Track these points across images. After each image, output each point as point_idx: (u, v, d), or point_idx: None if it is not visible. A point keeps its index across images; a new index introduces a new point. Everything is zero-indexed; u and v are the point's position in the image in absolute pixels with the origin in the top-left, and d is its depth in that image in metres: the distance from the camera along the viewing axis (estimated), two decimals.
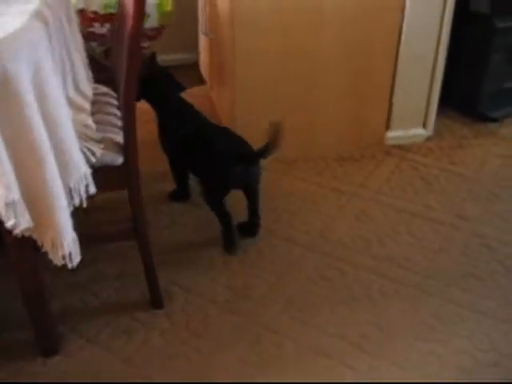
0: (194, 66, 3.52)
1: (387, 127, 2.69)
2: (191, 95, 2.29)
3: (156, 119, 2.22)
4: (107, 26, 2.61)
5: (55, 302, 1.83)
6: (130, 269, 1.97)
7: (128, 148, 1.58)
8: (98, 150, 1.52)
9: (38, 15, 1.37)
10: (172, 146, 2.19)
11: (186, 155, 2.14)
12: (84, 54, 1.95)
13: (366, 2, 2.37)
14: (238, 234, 2.13)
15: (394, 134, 2.70)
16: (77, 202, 1.46)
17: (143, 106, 2.03)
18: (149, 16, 2.60)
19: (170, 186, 2.32)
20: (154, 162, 2.32)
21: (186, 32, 3.54)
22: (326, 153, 2.63)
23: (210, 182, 2.05)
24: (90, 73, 1.97)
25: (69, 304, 1.86)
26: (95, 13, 2.55)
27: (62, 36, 1.56)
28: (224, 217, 2.05)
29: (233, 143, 2.05)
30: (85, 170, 1.45)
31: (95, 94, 1.83)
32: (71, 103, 1.57)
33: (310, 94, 2.52)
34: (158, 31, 2.75)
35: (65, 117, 1.37)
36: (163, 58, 3.51)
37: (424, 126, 2.73)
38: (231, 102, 2.52)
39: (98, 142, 1.55)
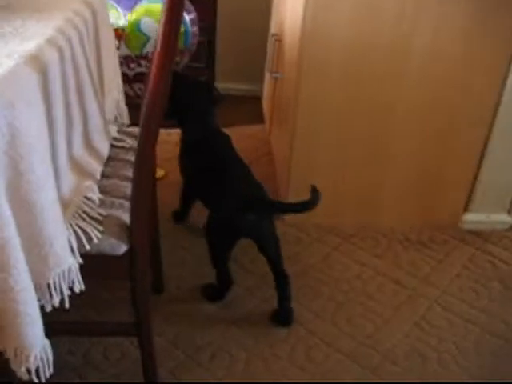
0: (257, 100, 3.20)
1: (465, 208, 2.28)
2: (247, 133, 1.96)
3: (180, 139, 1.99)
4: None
5: None
6: (127, 363, 1.63)
7: (135, 232, 1.24)
8: (95, 233, 1.19)
9: (33, 59, 1.04)
10: (189, 171, 1.97)
11: (200, 186, 1.91)
12: (117, 97, 1.64)
13: (466, 60, 1.98)
14: (271, 321, 1.80)
15: (472, 218, 2.29)
16: (56, 301, 1.13)
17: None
18: (150, 39, 2.26)
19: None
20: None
21: (253, 62, 3.23)
22: (389, 229, 2.25)
23: (218, 224, 1.78)
24: (125, 116, 1.66)
25: None
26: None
27: (74, 80, 1.23)
28: (222, 272, 1.81)
29: (252, 188, 1.79)
30: (70, 264, 1.12)
31: (117, 148, 1.51)
32: (75, 166, 1.25)
33: (377, 155, 2.15)
34: (133, 60, 2.40)
35: (49, 199, 1.04)
36: (226, 86, 3.23)
37: (510, 212, 2.31)
38: (288, 150, 2.18)
39: (99, 221, 1.22)
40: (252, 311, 1.84)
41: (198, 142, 1.93)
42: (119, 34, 2.25)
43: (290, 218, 2.23)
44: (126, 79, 2.27)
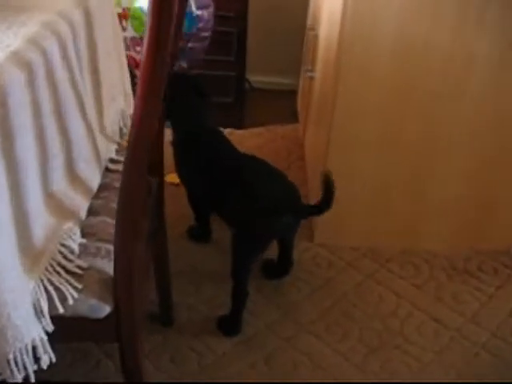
0: (293, 94, 2.95)
1: None
2: (280, 132, 1.72)
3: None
4: None
5: None
6: None
7: (120, 289, 1.02)
8: (71, 292, 0.97)
9: None
10: (189, 177, 1.78)
11: (210, 193, 1.70)
12: (123, 105, 1.41)
13: None
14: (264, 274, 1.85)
15: None
16: (18, 378, 0.92)
17: None
18: None
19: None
20: None
21: (289, 53, 2.99)
22: (432, 254, 2.00)
23: (249, 234, 1.61)
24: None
25: None
26: None
27: (52, 102, 1.01)
28: (243, 292, 1.62)
29: (279, 186, 1.62)
30: (35, 336, 0.91)
31: (113, 173, 1.29)
32: (53, 204, 1.03)
33: (423, 168, 1.91)
34: (139, 42, 2.14)
35: (4, 262, 0.83)
36: (259, 80, 2.99)
37: None
38: (323, 156, 1.95)
39: (77, 276, 1.00)
40: (272, 352, 1.61)
41: (186, 142, 1.75)
42: (125, 14, 2.04)
43: (321, 238, 2.00)
44: (135, 64, 2.05)
